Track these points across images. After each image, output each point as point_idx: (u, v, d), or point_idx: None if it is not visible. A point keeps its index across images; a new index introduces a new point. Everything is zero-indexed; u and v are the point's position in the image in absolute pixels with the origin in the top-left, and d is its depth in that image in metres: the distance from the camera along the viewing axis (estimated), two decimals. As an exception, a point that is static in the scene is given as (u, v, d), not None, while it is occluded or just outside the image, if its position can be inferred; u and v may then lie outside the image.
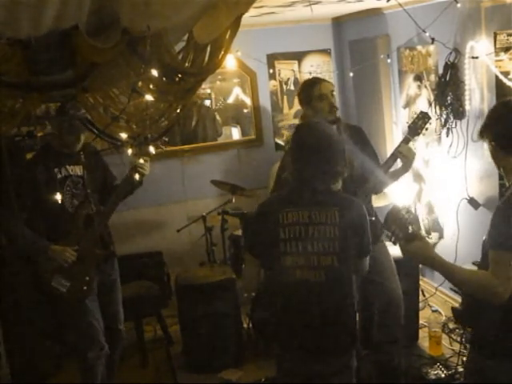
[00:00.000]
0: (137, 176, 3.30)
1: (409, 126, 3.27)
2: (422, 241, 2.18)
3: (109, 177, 3.55)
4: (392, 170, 3.28)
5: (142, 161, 3.27)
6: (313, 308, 2.42)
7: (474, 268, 2.45)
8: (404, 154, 3.18)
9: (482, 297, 2.08)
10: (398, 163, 3.28)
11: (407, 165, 3.23)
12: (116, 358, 3.62)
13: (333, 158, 2.46)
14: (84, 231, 3.27)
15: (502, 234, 2.06)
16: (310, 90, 3.27)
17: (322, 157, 2.44)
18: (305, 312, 2.43)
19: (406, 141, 3.24)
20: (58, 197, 3.15)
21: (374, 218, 3.34)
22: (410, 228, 2.16)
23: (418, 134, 3.26)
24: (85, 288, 3.23)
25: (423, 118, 3.21)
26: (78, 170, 3.31)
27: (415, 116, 3.29)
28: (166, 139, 3.32)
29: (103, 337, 3.36)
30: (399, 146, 3.23)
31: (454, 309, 2.34)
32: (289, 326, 2.47)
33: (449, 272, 2.17)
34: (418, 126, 3.22)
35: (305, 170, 2.46)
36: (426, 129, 3.24)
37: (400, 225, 2.18)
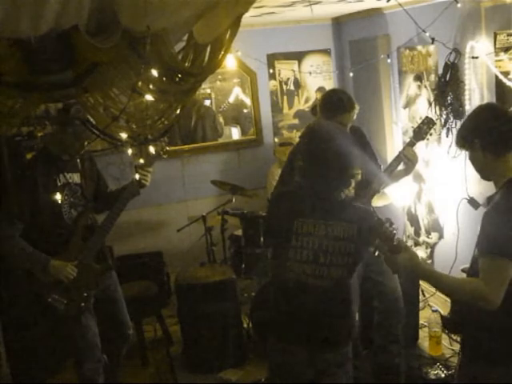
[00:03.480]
0: (137, 176, 3.28)
1: (414, 130, 3.38)
2: (408, 251, 2.15)
3: (102, 184, 3.41)
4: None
5: (142, 160, 3.24)
6: (315, 308, 2.44)
7: (463, 275, 2.43)
8: (409, 158, 3.26)
9: (472, 305, 2.04)
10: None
11: (410, 168, 3.31)
12: (120, 358, 3.62)
13: (346, 166, 2.38)
14: (83, 244, 3.14)
15: (491, 239, 2.01)
16: (335, 113, 3.16)
17: (336, 167, 2.35)
18: (307, 311, 2.45)
19: (410, 144, 3.33)
20: (57, 207, 3.03)
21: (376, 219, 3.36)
22: (395, 240, 2.16)
23: (423, 139, 3.37)
24: (82, 304, 3.13)
25: (428, 123, 3.32)
26: (75, 178, 3.16)
27: (420, 121, 3.38)
28: (167, 148, 3.30)
29: (100, 350, 3.26)
30: (404, 149, 3.29)
31: (442, 317, 2.32)
32: (290, 323, 2.50)
33: (438, 281, 2.14)
34: (422, 130, 3.33)
35: (318, 180, 2.39)
36: (431, 134, 3.34)
37: (384, 238, 2.18)
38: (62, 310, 3.08)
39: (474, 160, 2.22)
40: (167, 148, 3.34)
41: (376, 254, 2.25)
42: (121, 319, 3.46)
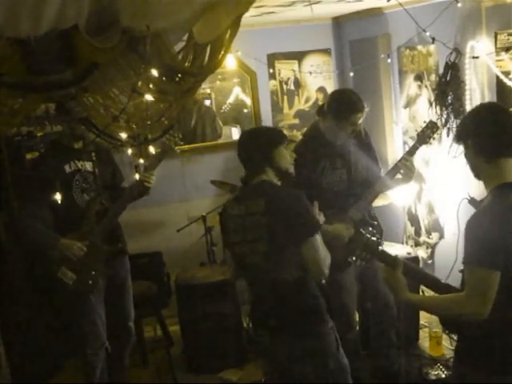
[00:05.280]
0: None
1: (417, 134, 3.35)
2: (399, 279, 2.16)
3: (117, 176, 3.57)
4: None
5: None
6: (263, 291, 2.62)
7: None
8: (405, 171, 3.24)
9: (463, 319, 2.00)
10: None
11: (406, 180, 3.30)
12: (126, 354, 3.65)
13: (250, 152, 2.63)
14: (94, 226, 3.29)
15: (474, 249, 1.94)
16: (346, 113, 3.18)
17: (243, 153, 2.65)
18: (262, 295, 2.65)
19: (414, 149, 3.31)
20: (67, 190, 3.20)
21: (376, 223, 3.36)
22: (380, 248, 2.16)
23: (426, 143, 3.34)
24: (90, 282, 3.24)
25: (432, 127, 3.30)
26: (87, 166, 3.33)
27: (424, 125, 3.36)
28: (181, 142, 3.39)
29: (105, 335, 3.37)
30: (401, 159, 3.28)
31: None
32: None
33: (425, 306, 2.19)
34: (426, 134, 3.30)
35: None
36: (434, 138, 3.33)
37: (367, 248, 2.18)
38: (70, 285, 3.19)
39: (467, 159, 2.17)
40: (178, 139, 3.50)
41: (358, 264, 2.27)
42: (123, 309, 3.50)
